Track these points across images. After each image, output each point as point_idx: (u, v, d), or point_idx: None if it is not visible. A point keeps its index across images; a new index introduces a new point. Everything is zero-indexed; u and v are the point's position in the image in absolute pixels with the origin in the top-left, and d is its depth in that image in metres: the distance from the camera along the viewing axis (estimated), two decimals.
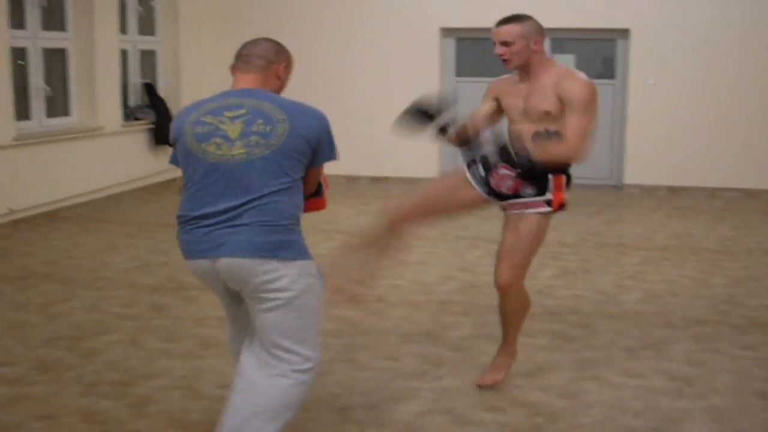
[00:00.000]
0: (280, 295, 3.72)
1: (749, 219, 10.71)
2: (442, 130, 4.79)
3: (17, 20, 10.16)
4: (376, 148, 13.16)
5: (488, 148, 4.74)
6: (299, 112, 3.81)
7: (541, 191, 4.74)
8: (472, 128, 4.90)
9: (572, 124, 4.51)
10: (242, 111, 3.76)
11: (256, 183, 3.69)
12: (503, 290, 4.82)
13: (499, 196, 4.86)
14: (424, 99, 4.72)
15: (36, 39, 10.59)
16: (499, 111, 5.00)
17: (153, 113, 12.49)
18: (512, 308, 4.90)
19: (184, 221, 3.82)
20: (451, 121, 4.80)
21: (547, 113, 4.62)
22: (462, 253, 8.58)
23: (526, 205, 4.78)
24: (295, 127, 3.75)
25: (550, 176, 4.73)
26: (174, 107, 12.69)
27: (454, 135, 4.81)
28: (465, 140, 4.84)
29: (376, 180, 13.51)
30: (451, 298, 7.03)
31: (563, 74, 4.66)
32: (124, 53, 12.24)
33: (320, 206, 4.17)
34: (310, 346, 3.85)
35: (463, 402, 4.91)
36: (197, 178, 3.76)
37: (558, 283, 7.53)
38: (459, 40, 13.58)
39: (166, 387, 5.09)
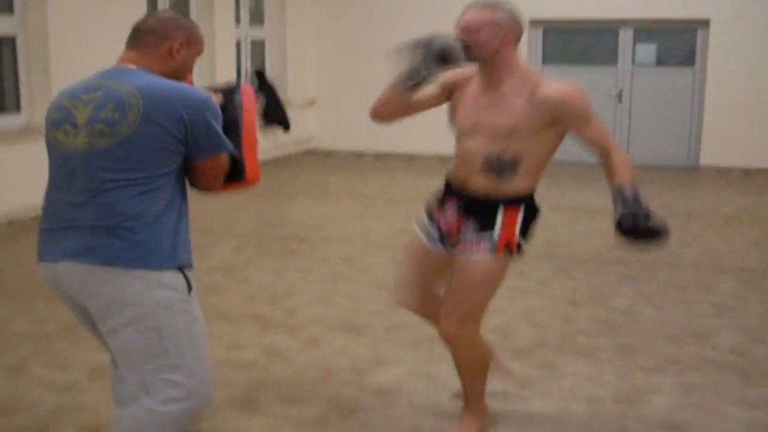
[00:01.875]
0: (122, 311, 3.13)
1: None
2: (420, 84, 3.90)
3: None
4: None
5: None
6: (161, 95, 3.16)
7: (485, 228, 3.93)
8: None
9: (597, 133, 3.81)
10: (98, 93, 3.21)
11: (97, 178, 3.14)
12: (449, 343, 4.07)
13: (445, 240, 4.13)
14: (448, 44, 3.78)
15: None
16: (437, 103, 4.14)
17: (263, 97, 13.62)
18: (465, 363, 4.14)
19: (41, 220, 3.35)
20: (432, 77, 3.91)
21: (510, 133, 3.82)
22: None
23: (469, 248, 3.94)
24: (150, 113, 3.12)
25: (500, 210, 3.92)
26: (282, 92, 13.84)
27: (410, 92, 3.94)
28: (400, 105, 4.03)
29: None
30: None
31: (537, 83, 3.82)
32: (237, 43, 13.39)
33: (245, 186, 3.54)
34: (178, 370, 3.17)
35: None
36: (53, 169, 3.31)
37: None
38: (546, 30, 14.38)
39: None
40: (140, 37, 3.33)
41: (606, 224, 8.53)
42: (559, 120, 3.79)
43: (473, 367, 4.16)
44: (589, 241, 8.30)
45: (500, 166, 3.86)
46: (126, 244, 3.10)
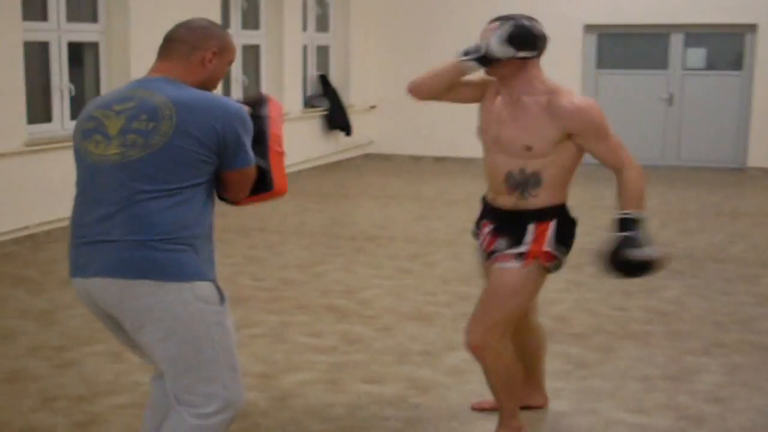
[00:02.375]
0: (158, 325, 3.15)
1: None
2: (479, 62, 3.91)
3: (224, 22, 11.90)
4: None
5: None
6: (195, 106, 3.17)
7: (516, 242, 3.97)
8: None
9: (610, 149, 3.87)
10: (131, 104, 3.20)
11: (129, 189, 3.13)
12: (474, 353, 4.08)
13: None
14: (522, 28, 3.83)
15: (239, 36, 12.35)
16: (469, 99, 4.18)
17: (326, 101, 14.20)
18: (493, 374, 4.11)
19: (71, 234, 3.31)
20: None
21: (528, 149, 3.86)
22: None
23: (499, 259, 4.01)
24: (184, 124, 3.13)
25: (531, 226, 3.96)
26: (344, 96, 14.43)
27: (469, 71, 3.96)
28: (452, 80, 4.04)
29: None
30: None
31: (556, 97, 3.86)
32: (303, 48, 14.00)
33: (272, 198, 3.55)
34: (211, 382, 3.20)
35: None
36: (81, 182, 3.29)
37: (679, 239, 8.99)
38: (600, 35, 14.81)
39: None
40: (172, 47, 3.31)
41: (655, 223, 9.04)
42: (575, 134, 3.82)
43: (500, 378, 4.09)
44: None
45: (523, 183, 3.89)
46: (159, 257, 3.09)
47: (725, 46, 14.56)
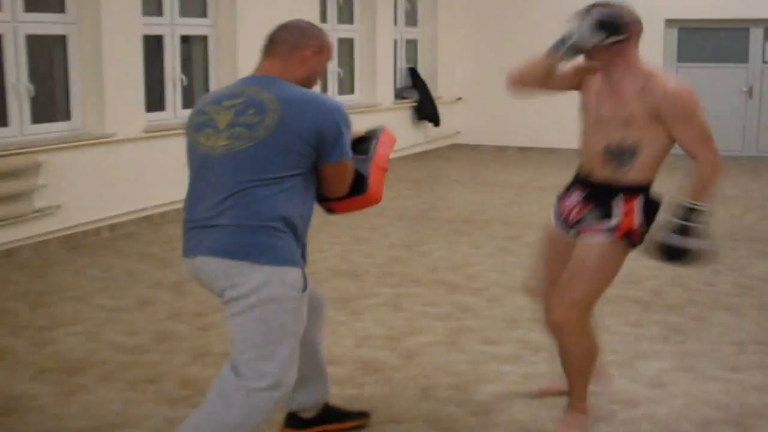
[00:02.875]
0: (241, 300, 3.38)
1: None
2: (572, 50, 4.03)
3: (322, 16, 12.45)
4: None
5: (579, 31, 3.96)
6: (300, 103, 3.43)
7: (604, 215, 4.02)
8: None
9: (693, 137, 3.92)
10: (239, 100, 3.48)
11: (235, 178, 3.39)
12: (556, 330, 4.09)
13: (571, 227, 4.22)
14: (610, 14, 3.94)
15: (334, 31, 12.91)
16: (570, 86, 4.28)
17: (416, 93, 14.68)
18: (572, 354, 4.09)
19: (184, 219, 3.62)
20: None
21: (627, 122, 3.95)
22: None
23: (588, 232, 4.05)
24: (287, 119, 3.38)
25: (620, 198, 4.01)
26: (433, 88, 14.93)
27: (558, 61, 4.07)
28: (547, 72, 4.12)
29: None
30: None
31: (655, 80, 3.95)
32: (394, 42, 14.53)
33: (362, 205, 3.78)
34: (269, 360, 3.39)
35: None
36: (193, 171, 3.58)
37: (761, 223, 9.44)
38: (680, 29, 15.11)
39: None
40: (274, 47, 3.57)
41: (738, 209, 9.45)
42: (663, 116, 3.87)
43: (578, 358, 4.08)
44: (725, 223, 9.14)
45: (620, 154, 3.95)
46: (258, 241, 3.34)
47: None
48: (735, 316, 6.13)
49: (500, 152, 15.58)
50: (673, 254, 3.89)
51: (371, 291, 6.79)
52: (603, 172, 4.04)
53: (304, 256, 3.53)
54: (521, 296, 6.47)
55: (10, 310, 6.34)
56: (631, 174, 3.98)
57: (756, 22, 14.64)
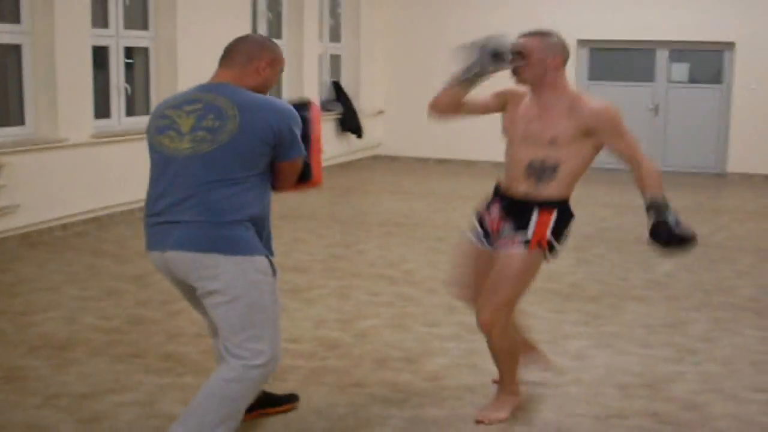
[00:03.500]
0: (224, 291, 3.70)
1: None
2: (474, 82, 4.43)
3: (253, 31, 13.05)
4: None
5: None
6: (253, 107, 3.71)
7: (521, 227, 4.41)
8: (465, 102, 4.56)
9: (628, 146, 4.34)
10: (198, 105, 3.74)
11: (200, 178, 3.67)
12: (484, 329, 4.54)
13: (489, 237, 4.64)
14: (502, 45, 4.33)
15: None
16: (493, 110, 4.65)
17: (340, 106, 15.35)
18: (498, 349, 4.60)
19: (145, 214, 3.89)
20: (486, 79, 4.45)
21: (552, 141, 4.30)
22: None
23: (505, 243, 4.45)
24: (246, 123, 3.67)
25: (535, 212, 4.40)
26: (355, 101, 15.64)
27: (465, 89, 4.45)
28: (455, 102, 4.50)
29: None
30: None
31: (580, 101, 4.34)
32: (319, 57, 15.17)
33: (312, 186, 4.10)
34: (260, 341, 3.77)
35: None
36: (155, 171, 3.85)
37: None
38: (592, 50, 16.01)
39: None
40: (232, 57, 3.85)
41: (643, 217, 10.32)
42: (595, 132, 4.25)
43: (505, 352, 4.58)
44: (636, 228, 10.02)
45: (541, 171, 4.31)
46: (225, 235, 3.66)
47: (706, 61, 15.77)
48: (645, 306, 6.94)
49: (420, 163, 16.35)
50: (678, 242, 4.20)
51: (318, 283, 7.46)
52: (522, 187, 4.40)
53: (270, 244, 3.91)
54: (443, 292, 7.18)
55: None
56: (549, 190, 4.35)
57: (662, 44, 15.63)
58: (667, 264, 8.26)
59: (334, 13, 15.76)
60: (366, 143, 15.88)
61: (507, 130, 4.51)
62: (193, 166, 3.68)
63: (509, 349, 4.59)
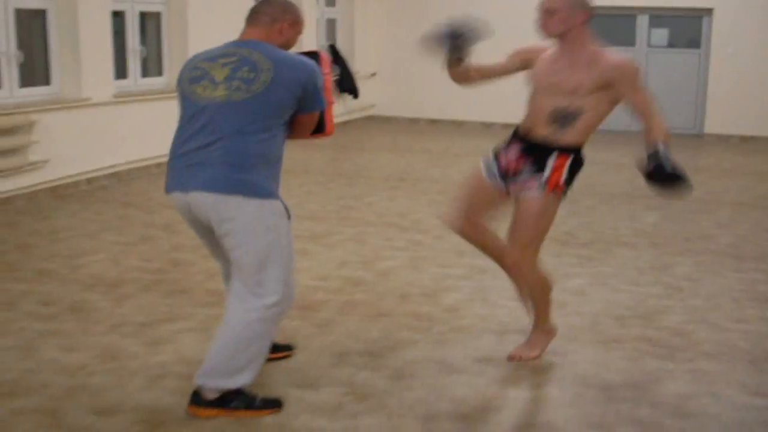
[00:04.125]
0: (243, 231, 3.90)
1: None
2: (458, 58, 4.77)
3: None
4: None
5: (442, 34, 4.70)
6: (286, 63, 3.95)
7: (539, 169, 4.68)
8: (475, 71, 4.92)
9: (642, 100, 4.53)
10: (233, 59, 3.98)
11: (230, 124, 3.88)
12: (514, 269, 4.88)
13: (504, 176, 4.84)
14: (458, 24, 4.67)
15: None
16: (513, 71, 4.92)
17: (337, 68, 15.94)
18: (530, 287, 4.93)
19: (170, 157, 4.09)
20: (468, 52, 4.78)
21: (574, 90, 4.53)
22: None
23: (524, 186, 4.72)
24: (279, 77, 3.90)
25: (553, 155, 4.66)
26: (351, 63, 16.22)
27: (455, 66, 4.82)
28: (459, 76, 4.88)
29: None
30: None
31: (601, 55, 4.56)
32: (316, 21, 15.76)
33: (323, 136, 4.35)
34: (276, 281, 4.00)
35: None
36: (185, 118, 4.06)
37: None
38: None
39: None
40: (257, 17, 4.08)
41: (631, 174, 11.05)
42: (613, 85, 4.46)
43: (537, 290, 4.90)
44: (620, 184, 10.76)
45: (563, 117, 4.56)
46: (249, 178, 3.87)
47: (685, 26, 16.44)
48: (634, 251, 7.67)
49: (413, 124, 17.05)
50: (674, 179, 4.40)
51: (335, 230, 8.14)
52: (543, 131, 4.64)
53: (279, 189, 4.14)
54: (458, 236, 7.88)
55: (33, 244, 7.50)
56: (567, 137, 4.61)
57: (642, 9, 16.32)
58: (652, 216, 9.01)
59: None
60: (360, 104, 16.51)
61: (531, 80, 4.74)
62: (226, 112, 3.89)
63: (540, 287, 4.91)
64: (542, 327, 5.06)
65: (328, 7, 16.27)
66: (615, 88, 4.51)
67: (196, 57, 4.16)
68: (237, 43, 4.08)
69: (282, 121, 4.00)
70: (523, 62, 4.83)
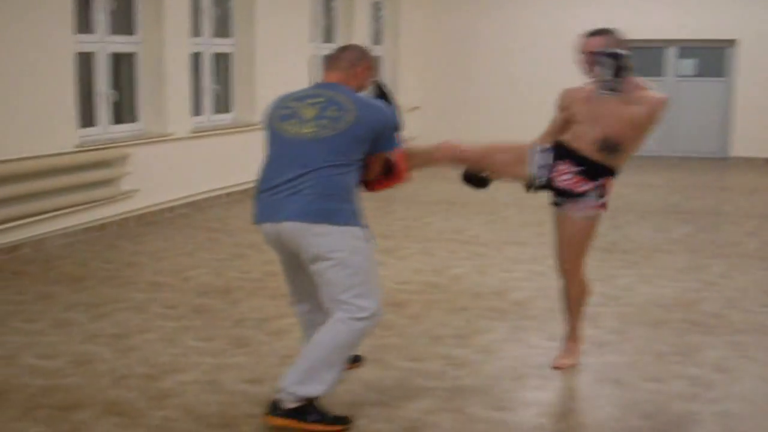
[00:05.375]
0: (330, 255, 4.14)
1: None
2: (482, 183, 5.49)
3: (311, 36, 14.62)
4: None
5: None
6: (368, 106, 4.29)
7: (600, 194, 4.99)
8: (548, 137, 5.21)
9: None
10: (320, 99, 4.25)
11: (318, 158, 4.15)
12: (567, 276, 5.21)
13: (552, 189, 5.06)
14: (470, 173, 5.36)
15: (318, 49, 15.12)
16: (567, 121, 5.11)
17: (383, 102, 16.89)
18: (574, 296, 5.29)
19: (259, 190, 4.33)
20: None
21: (627, 121, 4.81)
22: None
23: (583, 206, 5.01)
24: (361, 117, 4.19)
25: (603, 179, 4.97)
26: (396, 99, 17.18)
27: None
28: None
29: None
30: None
31: (645, 91, 4.83)
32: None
33: (391, 184, 4.70)
34: (365, 297, 4.22)
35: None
36: (274, 153, 4.32)
37: (684, 202, 12.09)
38: None
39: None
40: (337, 62, 4.42)
41: (664, 192, 12.04)
42: (644, 117, 4.81)
43: (578, 301, 5.35)
44: (654, 202, 11.77)
45: (613, 146, 4.85)
46: (337, 207, 4.16)
47: (711, 57, 17.29)
48: (671, 256, 8.72)
49: None
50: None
51: (403, 245, 9.17)
52: (595, 155, 4.92)
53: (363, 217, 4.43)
54: (513, 247, 8.86)
55: (139, 263, 8.43)
56: (615, 161, 4.95)
57: (671, 42, 17.19)
58: (686, 227, 10.02)
59: (376, 18, 17.29)
60: (404, 135, 17.39)
61: (574, 113, 4.99)
62: (314, 147, 4.19)
63: (581, 296, 5.32)
64: (575, 334, 5.51)
65: (374, 45, 17.17)
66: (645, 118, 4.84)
67: (285, 97, 4.47)
68: (322, 86, 4.40)
69: (361, 157, 4.30)
70: (568, 110, 5.08)
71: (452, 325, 6.41)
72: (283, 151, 4.30)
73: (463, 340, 6.07)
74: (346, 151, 4.21)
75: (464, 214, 11.08)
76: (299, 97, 4.39)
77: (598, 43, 4.82)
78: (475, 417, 4.79)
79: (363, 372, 5.40)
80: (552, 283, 7.08)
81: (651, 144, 16.35)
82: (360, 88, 4.50)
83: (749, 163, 16.79)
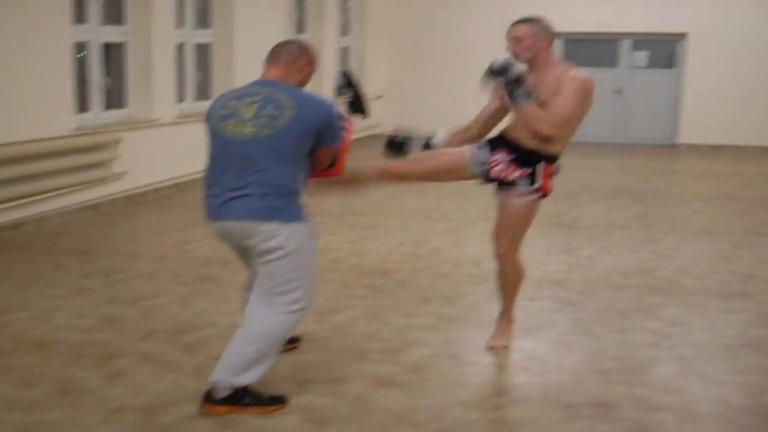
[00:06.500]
0: (276, 250, 4.13)
1: (757, 161, 16.15)
2: (400, 150, 5.40)
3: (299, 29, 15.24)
4: None
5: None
6: (307, 102, 4.17)
7: (531, 181, 4.99)
8: (475, 127, 5.32)
9: (558, 102, 4.74)
10: (259, 97, 4.17)
11: (259, 157, 4.10)
12: (500, 260, 5.26)
13: (490, 179, 5.12)
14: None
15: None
16: (499, 106, 5.20)
17: (350, 91, 17.35)
18: (506, 278, 5.35)
19: (205, 188, 4.30)
20: (409, 143, 5.41)
21: (543, 103, 4.78)
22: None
23: (517, 192, 5.04)
24: (301, 114, 4.11)
25: (541, 165, 4.95)
26: (363, 87, 17.71)
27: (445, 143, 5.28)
28: (466, 142, 5.26)
29: None
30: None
31: (565, 70, 4.81)
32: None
33: (335, 174, 4.57)
34: (301, 291, 4.26)
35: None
36: (217, 154, 4.26)
37: (637, 185, 12.93)
38: (567, 40, 18.03)
39: None
40: (278, 57, 4.34)
41: (618, 176, 12.85)
42: (562, 90, 4.77)
43: (510, 282, 5.44)
44: (607, 184, 12.59)
45: (543, 137, 4.89)
46: (281, 205, 4.15)
47: (662, 49, 17.98)
48: (628, 231, 9.52)
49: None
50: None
51: (382, 222, 9.83)
52: (530, 143, 4.98)
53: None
54: (483, 222, 9.49)
55: (140, 238, 8.98)
56: (552, 148, 4.99)
57: (624, 35, 17.86)
58: (639, 207, 10.84)
59: (343, 9, 17.80)
60: (367, 123, 17.83)
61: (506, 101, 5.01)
62: (255, 147, 4.15)
63: (514, 280, 5.43)
64: (508, 316, 5.62)
65: (342, 36, 17.77)
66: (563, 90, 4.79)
67: (223, 96, 4.43)
68: (261, 83, 4.34)
69: (304, 152, 4.27)
70: (502, 99, 5.12)
71: (438, 289, 7.08)
72: (225, 151, 4.28)
73: (450, 300, 6.77)
74: (287, 148, 4.19)
75: (436, 194, 11.62)
76: (239, 95, 4.34)
77: (522, 31, 4.88)
78: (467, 360, 5.51)
79: (364, 326, 6.06)
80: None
81: (603, 131, 17.37)
82: (302, 83, 4.43)
83: (695, 149, 17.62)
